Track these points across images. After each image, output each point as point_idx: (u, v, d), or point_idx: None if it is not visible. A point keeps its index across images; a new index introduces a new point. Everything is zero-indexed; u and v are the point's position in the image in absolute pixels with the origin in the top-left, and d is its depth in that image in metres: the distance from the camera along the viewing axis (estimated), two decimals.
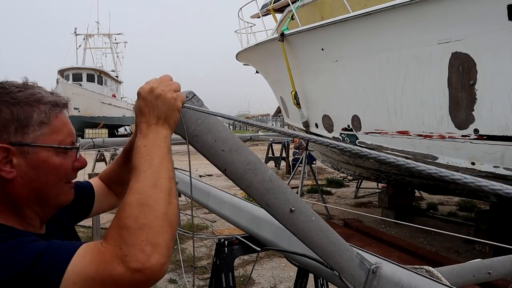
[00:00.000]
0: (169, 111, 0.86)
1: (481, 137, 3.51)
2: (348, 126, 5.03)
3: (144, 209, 0.72)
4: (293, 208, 1.07)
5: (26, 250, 0.69)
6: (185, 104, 0.91)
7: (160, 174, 0.78)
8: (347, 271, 1.21)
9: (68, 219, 1.06)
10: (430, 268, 1.27)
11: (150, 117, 0.85)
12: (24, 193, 0.80)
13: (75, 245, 0.72)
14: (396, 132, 4.32)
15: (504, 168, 3.47)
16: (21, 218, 0.82)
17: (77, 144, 0.88)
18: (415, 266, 1.28)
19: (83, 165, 0.90)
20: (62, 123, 0.84)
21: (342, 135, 5.20)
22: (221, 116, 0.96)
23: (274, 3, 6.64)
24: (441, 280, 1.24)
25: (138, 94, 0.87)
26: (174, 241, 0.77)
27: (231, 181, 1.03)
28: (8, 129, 0.76)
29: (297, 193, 8.20)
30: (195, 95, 0.95)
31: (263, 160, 14.30)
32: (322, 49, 5.04)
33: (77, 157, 0.89)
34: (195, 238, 5.77)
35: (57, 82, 29.27)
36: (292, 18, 5.42)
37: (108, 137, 19.08)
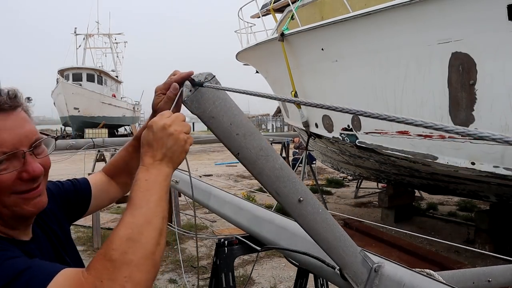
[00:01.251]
0: (177, 152, 0.86)
1: (481, 137, 3.51)
2: (348, 126, 5.03)
3: (133, 245, 0.71)
4: (301, 198, 1.07)
5: (3, 267, 0.66)
6: (205, 83, 0.92)
7: (155, 213, 0.78)
8: (350, 267, 1.21)
9: (61, 219, 1.03)
10: (431, 272, 1.28)
11: (157, 152, 0.84)
12: None
13: (55, 269, 0.69)
14: (396, 132, 4.32)
15: (504, 168, 3.47)
16: (2, 222, 0.80)
17: (23, 149, 0.79)
18: (416, 269, 1.28)
19: (37, 172, 0.80)
20: (2, 128, 0.76)
21: (342, 135, 5.20)
22: (241, 92, 0.98)
23: (274, 3, 6.64)
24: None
25: (150, 126, 0.86)
26: (153, 283, 0.77)
27: (231, 181, 1.03)
28: None
29: None
30: (214, 76, 0.96)
31: None
32: (322, 49, 5.04)
33: (24, 164, 0.79)
34: (194, 238, 5.76)
35: (57, 82, 29.29)
36: (292, 18, 5.42)
37: (108, 137, 19.09)
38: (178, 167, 0.90)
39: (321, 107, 0.75)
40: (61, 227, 1.02)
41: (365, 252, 1.27)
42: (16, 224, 0.83)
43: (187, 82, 0.95)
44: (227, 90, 0.97)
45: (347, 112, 0.73)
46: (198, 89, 0.94)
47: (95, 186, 1.19)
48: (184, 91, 0.94)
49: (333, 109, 0.74)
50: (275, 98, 1.03)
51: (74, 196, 1.11)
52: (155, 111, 1.00)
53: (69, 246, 1.02)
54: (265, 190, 1.08)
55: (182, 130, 0.87)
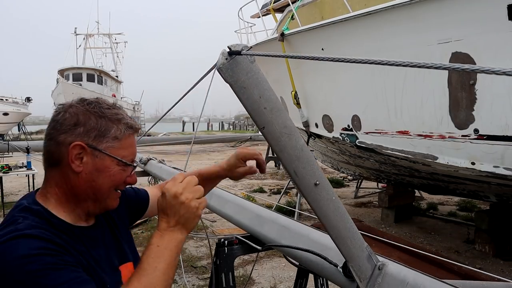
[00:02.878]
0: (190, 219, 0.93)
1: (481, 137, 3.51)
2: (348, 126, 5.03)
3: None
4: (317, 182, 1.09)
5: (48, 278, 0.76)
6: (242, 52, 0.95)
7: (160, 281, 0.85)
8: (356, 261, 1.22)
9: (122, 215, 1.17)
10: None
11: (171, 219, 0.92)
12: (84, 188, 0.94)
13: None
14: (396, 132, 4.33)
15: (504, 168, 3.47)
16: (74, 210, 0.96)
17: (135, 164, 1.01)
18: (420, 271, 1.29)
19: (134, 182, 1.03)
20: (130, 144, 0.99)
21: (342, 135, 5.20)
22: (277, 56, 1.03)
23: (274, 3, 6.65)
24: None
25: (163, 193, 0.94)
26: None
27: (231, 181, 1.04)
28: (89, 134, 0.92)
29: (296, 195, 8.21)
30: (250, 48, 0.98)
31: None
32: (322, 49, 5.05)
33: (131, 174, 1.01)
34: (194, 238, 5.77)
35: (57, 82, 29.28)
36: (292, 18, 5.42)
37: None
38: (178, 167, 0.92)
39: None
40: (121, 220, 1.16)
41: (371, 249, 1.27)
42: (92, 214, 1.00)
43: (224, 50, 0.96)
44: (265, 56, 1.01)
45: None
46: (234, 58, 0.95)
47: (152, 198, 1.32)
48: (220, 58, 0.96)
49: None
50: (312, 58, 1.04)
51: (135, 201, 1.26)
52: (229, 170, 1.29)
53: (126, 237, 1.15)
54: (284, 168, 1.10)
55: (193, 197, 0.94)
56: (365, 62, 0.82)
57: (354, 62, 0.85)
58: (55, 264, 0.78)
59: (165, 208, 0.92)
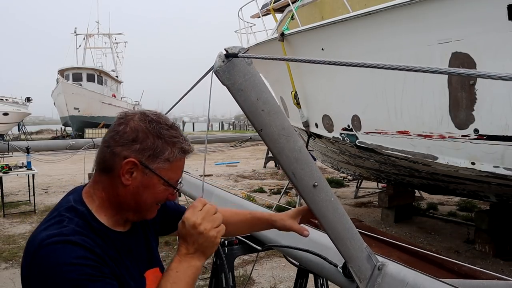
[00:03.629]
0: (208, 247, 0.99)
1: (481, 137, 3.51)
2: (348, 126, 5.03)
3: None
4: (316, 184, 1.09)
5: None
6: (239, 54, 0.95)
7: None
8: (355, 261, 1.21)
9: (156, 225, 1.22)
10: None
11: (190, 246, 0.97)
12: (128, 200, 0.99)
13: None
14: (396, 132, 4.33)
15: (504, 168, 3.47)
16: (114, 216, 1.01)
17: (179, 186, 1.06)
18: (419, 271, 1.29)
19: (174, 199, 1.12)
20: (179, 166, 1.03)
21: (342, 135, 5.20)
22: (274, 59, 1.03)
23: (274, 3, 6.64)
24: None
25: (183, 222, 0.99)
26: None
27: (231, 181, 1.04)
28: (144, 152, 0.96)
29: (296, 195, 8.20)
30: (247, 50, 0.98)
31: (263, 160, 14.34)
32: (322, 49, 5.04)
33: (173, 193, 1.06)
34: None
35: (57, 82, 29.28)
36: (292, 18, 5.42)
37: None
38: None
39: None
40: (153, 225, 1.21)
41: (370, 249, 1.27)
42: (130, 221, 1.06)
43: (221, 53, 0.96)
44: (261, 58, 1.00)
45: None
46: (231, 61, 0.95)
47: None
48: (217, 61, 0.96)
49: None
50: (304, 61, 1.03)
51: (171, 214, 1.28)
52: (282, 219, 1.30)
53: (155, 242, 1.20)
54: (283, 170, 1.10)
55: (212, 227, 0.98)
56: (361, 66, 0.82)
57: (350, 65, 0.85)
58: (92, 276, 0.84)
59: (185, 235, 0.98)
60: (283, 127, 1.03)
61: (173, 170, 1.01)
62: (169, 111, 1.67)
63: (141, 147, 0.96)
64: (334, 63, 0.85)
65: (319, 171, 1.12)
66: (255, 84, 0.99)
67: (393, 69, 0.72)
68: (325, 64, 0.85)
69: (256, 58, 0.98)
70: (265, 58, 1.02)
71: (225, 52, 0.96)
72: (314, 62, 0.89)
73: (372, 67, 0.76)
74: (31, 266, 0.85)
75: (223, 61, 0.95)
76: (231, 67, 0.96)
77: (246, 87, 0.98)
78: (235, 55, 0.95)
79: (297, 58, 0.99)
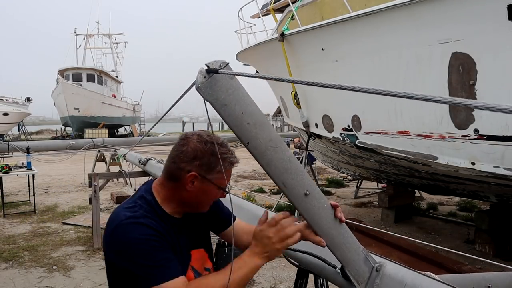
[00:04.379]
0: (272, 255, 1.21)
1: (481, 137, 3.51)
2: (348, 126, 5.03)
3: None
4: (307, 192, 1.08)
5: (152, 255, 1.12)
6: (220, 70, 0.94)
7: (233, 284, 1.15)
8: (352, 265, 1.21)
9: (206, 222, 1.46)
10: (432, 275, 1.28)
11: (259, 248, 1.21)
12: (189, 200, 1.28)
13: (179, 274, 1.15)
14: (396, 132, 4.32)
15: (504, 168, 3.47)
16: (175, 208, 1.30)
17: (228, 189, 1.29)
18: (418, 272, 1.29)
19: (224, 197, 1.34)
20: (228, 174, 1.29)
21: (342, 135, 5.20)
22: (255, 77, 1.05)
23: (274, 3, 6.64)
24: None
25: (258, 232, 1.22)
26: None
27: (231, 181, 1.03)
28: (202, 167, 1.23)
29: None
30: (228, 64, 0.97)
31: None
32: (322, 49, 5.04)
33: (224, 194, 1.32)
34: None
35: (57, 82, 29.26)
36: (292, 18, 5.42)
37: (108, 137, 19.08)
38: None
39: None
40: (205, 227, 1.48)
41: (367, 251, 1.27)
42: (187, 212, 1.35)
43: (202, 69, 0.95)
44: (241, 75, 0.99)
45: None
46: (212, 76, 0.94)
47: (236, 229, 1.52)
48: (198, 77, 0.95)
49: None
50: (287, 81, 1.06)
51: (219, 217, 1.51)
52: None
53: (203, 225, 1.45)
54: (273, 181, 1.09)
55: (280, 241, 1.19)
56: (343, 88, 0.81)
57: (327, 87, 0.84)
58: (157, 247, 1.14)
59: (258, 241, 1.21)
60: (270, 139, 1.02)
61: (224, 178, 1.27)
62: (168, 110, 1.67)
63: (200, 163, 1.23)
64: (304, 83, 0.85)
65: (310, 179, 1.12)
66: (239, 98, 0.98)
67: (384, 94, 0.71)
68: (303, 84, 0.84)
69: (236, 74, 0.96)
70: (244, 75, 1.01)
71: (206, 68, 0.94)
72: (285, 81, 0.88)
73: (347, 89, 0.75)
74: (111, 239, 1.17)
75: (204, 77, 0.94)
76: (213, 82, 0.94)
77: (230, 101, 0.97)
78: (215, 71, 0.93)
79: (273, 77, 0.99)
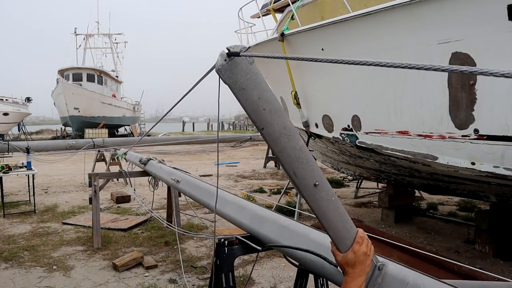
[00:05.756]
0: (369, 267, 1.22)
1: (481, 137, 3.51)
2: (348, 126, 5.03)
3: None
4: (317, 183, 1.09)
5: None
6: (241, 53, 0.95)
7: None
8: None
9: None
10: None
11: (358, 271, 1.18)
12: None
13: None
14: (396, 132, 4.32)
15: (504, 168, 3.47)
16: None
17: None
18: (419, 272, 1.29)
19: None
20: None
21: (342, 135, 5.20)
22: (276, 57, 1.03)
23: (274, 3, 6.64)
24: None
25: (349, 258, 1.20)
26: None
27: (231, 181, 1.03)
28: None
29: (296, 195, 8.19)
30: (248, 48, 0.98)
31: (263, 160, 14.34)
32: (322, 49, 5.04)
33: None
34: (194, 238, 5.77)
35: (57, 82, 29.26)
36: (292, 18, 5.42)
37: (108, 137, 19.09)
38: (179, 167, 0.92)
39: None
40: None
41: None
42: None
43: (223, 51, 0.96)
44: (263, 57, 1.01)
45: None
46: (233, 59, 0.95)
47: None
48: (219, 60, 0.96)
49: None
50: (305, 59, 1.03)
51: None
52: None
53: None
54: (284, 169, 1.09)
55: (361, 275, 1.19)
56: (364, 64, 0.81)
57: (352, 63, 0.84)
58: None
59: (356, 261, 1.19)
60: (284, 126, 1.03)
61: None
62: (175, 104, 1.67)
63: None
64: (336, 61, 0.85)
65: (320, 171, 1.12)
66: (257, 83, 0.99)
67: (395, 67, 0.72)
68: (327, 62, 0.85)
69: (258, 56, 0.98)
70: (267, 57, 1.02)
71: (227, 51, 0.96)
72: (315, 60, 0.89)
73: (373, 65, 0.75)
74: None
75: (225, 60, 0.95)
76: (233, 66, 0.96)
77: (248, 86, 0.98)
78: (237, 54, 0.95)
79: (298, 57, 0.99)
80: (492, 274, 1.77)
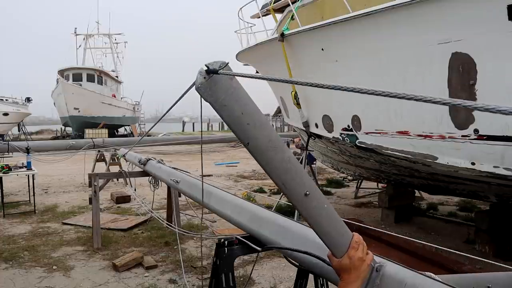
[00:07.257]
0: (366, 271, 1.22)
1: (481, 137, 3.51)
2: (348, 126, 5.03)
3: None
4: (307, 192, 1.08)
5: None
6: (219, 71, 0.93)
7: None
8: None
9: None
10: (432, 275, 1.28)
11: (354, 276, 1.17)
12: None
13: None
14: (396, 132, 4.32)
15: (504, 168, 3.47)
16: None
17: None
18: (418, 272, 1.29)
19: None
20: None
21: (342, 135, 5.20)
22: (255, 77, 1.03)
23: (274, 3, 6.64)
24: None
25: (344, 263, 1.18)
26: None
27: (231, 181, 1.03)
28: None
29: None
30: (227, 64, 0.96)
31: None
32: (322, 49, 5.04)
33: None
34: (194, 238, 5.76)
35: (57, 82, 29.26)
36: (292, 18, 5.42)
37: (108, 137, 19.09)
38: (179, 167, 0.91)
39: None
40: None
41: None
42: None
43: (201, 69, 0.94)
44: (242, 76, 0.98)
45: None
46: (212, 77, 0.94)
47: None
48: (198, 78, 0.94)
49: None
50: (286, 81, 1.04)
51: None
52: None
53: None
54: (273, 181, 1.09)
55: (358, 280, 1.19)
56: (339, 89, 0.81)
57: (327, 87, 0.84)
58: None
59: (351, 267, 1.18)
60: (270, 139, 1.02)
61: None
62: (167, 111, 1.67)
63: None
64: (308, 84, 0.85)
65: (310, 180, 1.12)
66: (238, 98, 0.98)
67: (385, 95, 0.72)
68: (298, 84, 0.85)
69: (235, 75, 0.96)
70: (243, 76, 1.00)
71: (205, 68, 0.94)
72: (281, 81, 0.88)
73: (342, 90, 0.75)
74: None
75: (204, 78, 0.94)
76: (212, 83, 0.94)
77: (229, 102, 0.96)
78: (215, 72, 0.93)
79: (271, 77, 0.98)
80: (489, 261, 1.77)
